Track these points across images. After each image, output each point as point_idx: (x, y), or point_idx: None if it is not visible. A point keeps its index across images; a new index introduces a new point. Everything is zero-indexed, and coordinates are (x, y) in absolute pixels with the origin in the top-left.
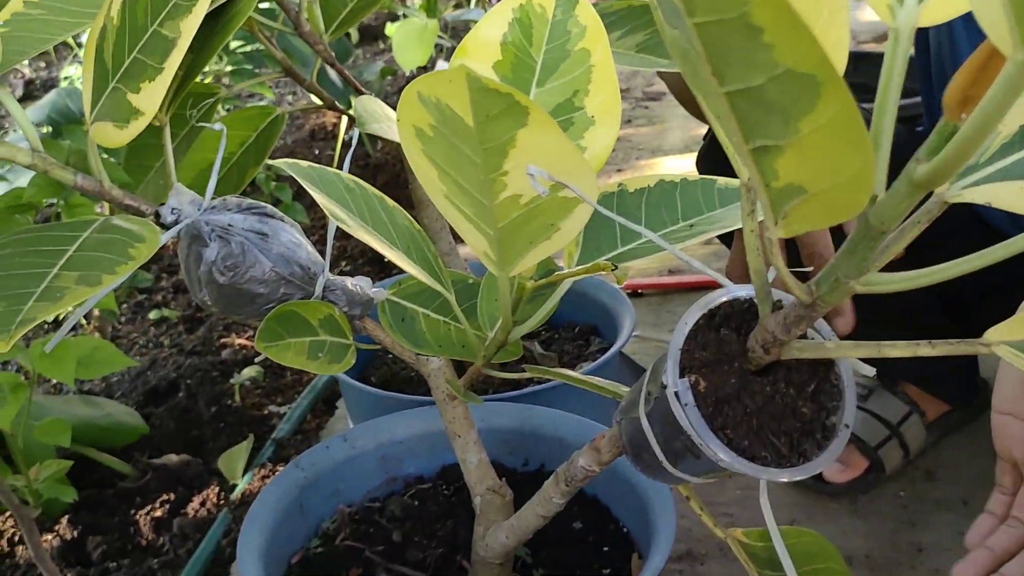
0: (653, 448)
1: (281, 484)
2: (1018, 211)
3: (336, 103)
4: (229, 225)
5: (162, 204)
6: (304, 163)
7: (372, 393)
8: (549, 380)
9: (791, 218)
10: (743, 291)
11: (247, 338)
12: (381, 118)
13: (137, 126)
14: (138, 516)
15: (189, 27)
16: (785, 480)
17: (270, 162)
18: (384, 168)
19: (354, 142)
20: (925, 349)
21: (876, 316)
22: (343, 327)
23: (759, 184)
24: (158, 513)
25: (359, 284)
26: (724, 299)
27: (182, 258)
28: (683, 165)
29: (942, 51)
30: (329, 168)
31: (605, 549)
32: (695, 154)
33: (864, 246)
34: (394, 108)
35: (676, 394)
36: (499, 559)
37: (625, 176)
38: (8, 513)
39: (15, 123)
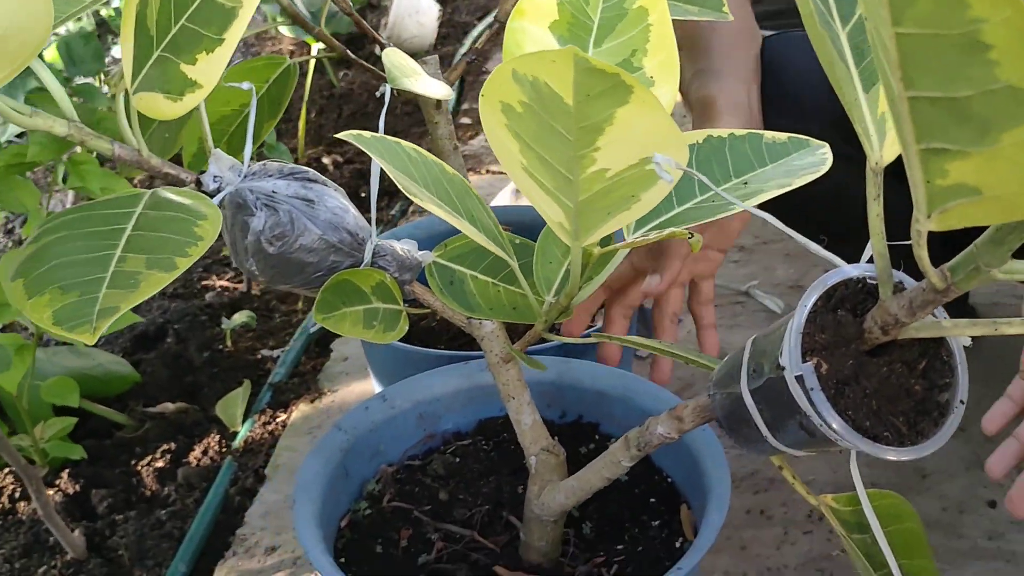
0: (756, 423)
1: (324, 449)
2: None
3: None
4: (273, 192)
5: (203, 172)
6: (367, 134)
7: (399, 349)
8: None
9: (951, 214)
10: (855, 271)
11: (228, 279)
12: (409, 72)
13: (194, 99)
14: (140, 467)
15: (222, 56)
16: (907, 459)
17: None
18: (350, 98)
19: (387, 100)
20: None
21: None
22: (395, 293)
23: (919, 180)
24: (160, 464)
25: (408, 247)
26: (839, 279)
27: (226, 227)
28: None
29: None
30: (389, 136)
31: (652, 500)
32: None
33: (1014, 237)
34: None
35: (799, 378)
36: (554, 517)
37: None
38: (8, 469)
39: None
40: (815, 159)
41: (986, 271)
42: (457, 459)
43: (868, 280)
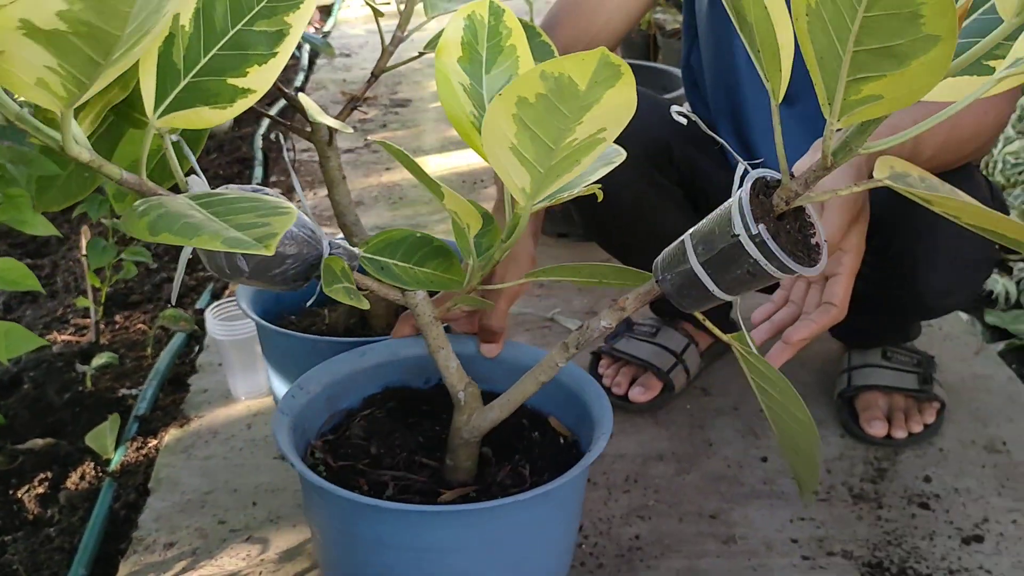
0: (705, 284)
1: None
2: None
3: None
4: None
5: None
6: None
7: (307, 339)
8: None
9: (854, 115)
10: (764, 172)
11: (70, 334)
12: (319, 112)
13: (244, 103)
14: (19, 495)
15: (300, 18)
16: (815, 273)
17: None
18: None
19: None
20: None
21: None
22: (349, 275)
23: (838, 99)
24: (39, 490)
25: (344, 243)
26: (756, 177)
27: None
28: (443, 161)
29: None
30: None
31: (524, 421)
32: (450, 152)
33: (872, 125)
34: None
35: (754, 236)
36: (479, 436)
37: (396, 175)
38: None
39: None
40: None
41: (855, 149)
42: (367, 424)
43: (769, 178)
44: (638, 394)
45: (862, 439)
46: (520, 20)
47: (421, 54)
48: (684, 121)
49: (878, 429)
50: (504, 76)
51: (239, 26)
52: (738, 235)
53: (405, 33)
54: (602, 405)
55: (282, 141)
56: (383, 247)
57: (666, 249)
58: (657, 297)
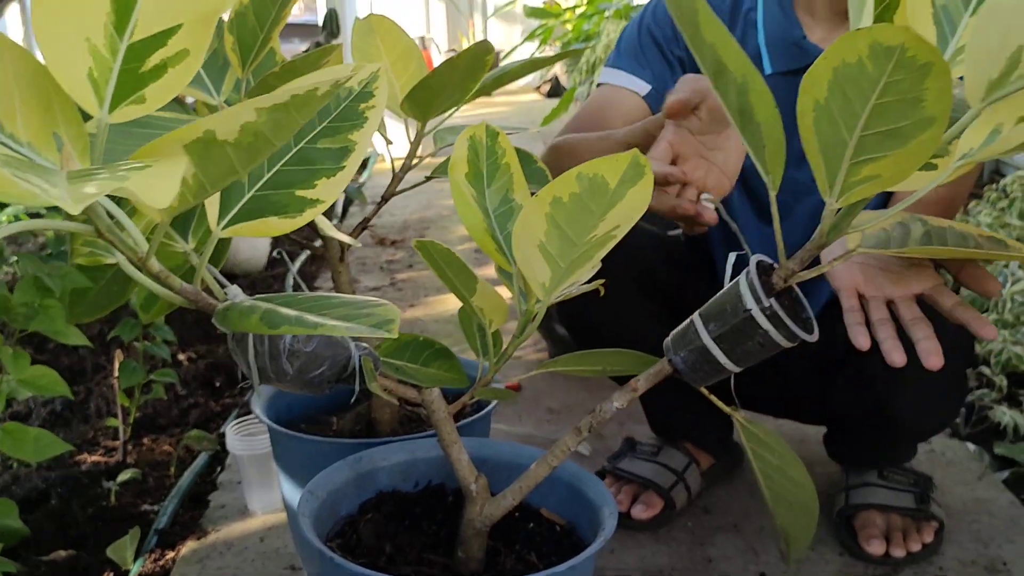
0: (717, 358)
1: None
2: None
3: None
4: None
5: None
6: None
7: (318, 441)
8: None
9: (851, 195)
10: (763, 258)
11: (99, 455)
12: (330, 226)
13: (313, 212)
14: None
15: (364, 135)
16: (812, 340)
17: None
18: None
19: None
20: None
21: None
22: (373, 373)
23: (840, 182)
24: None
25: (368, 347)
26: (756, 260)
27: (252, 341)
28: None
29: None
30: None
31: (516, 515)
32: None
33: (847, 221)
34: None
35: (766, 309)
36: (490, 525)
37: (419, 311)
38: None
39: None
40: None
41: (845, 229)
42: (372, 527)
43: (764, 262)
44: (639, 511)
45: (861, 557)
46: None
47: (428, 179)
48: (711, 206)
49: (876, 547)
50: (503, 189)
51: (302, 144)
52: (750, 309)
53: (413, 163)
54: (599, 490)
55: (285, 257)
56: (394, 350)
57: (674, 331)
58: (668, 376)
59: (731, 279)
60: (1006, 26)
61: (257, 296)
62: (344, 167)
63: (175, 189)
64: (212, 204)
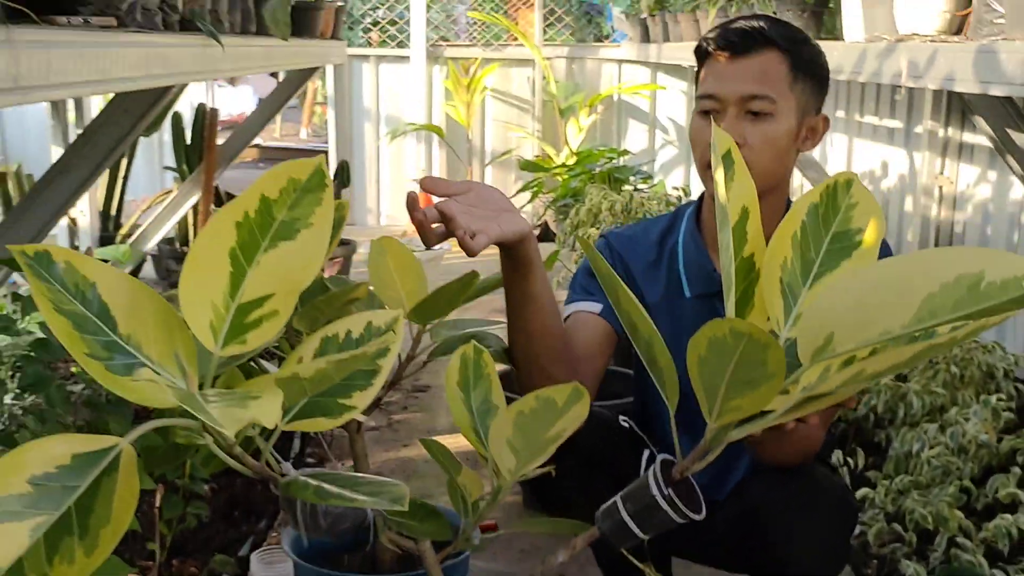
0: (632, 528)
1: None
2: None
3: None
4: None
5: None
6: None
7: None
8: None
9: (725, 418)
10: (665, 455)
11: (136, 573)
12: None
13: (350, 415)
14: None
15: (388, 361)
16: (699, 518)
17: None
18: None
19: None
20: None
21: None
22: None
23: (716, 409)
24: None
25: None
26: (661, 459)
27: (299, 504)
28: (452, 441)
29: None
30: None
31: None
32: (458, 435)
33: (723, 435)
34: None
35: (667, 496)
36: None
37: (412, 452)
38: None
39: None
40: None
41: (722, 439)
42: None
43: (668, 459)
44: None
45: None
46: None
47: (425, 363)
48: (627, 425)
49: None
50: (484, 393)
51: (340, 378)
52: (655, 496)
53: (416, 352)
54: None
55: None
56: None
57: (602, 507)
58: (596, 539)
59: (645, 469)
60: (822, 318)
61: (303, 472)
62: (373, 384)
63: (278, 413)
64: (276, 408)
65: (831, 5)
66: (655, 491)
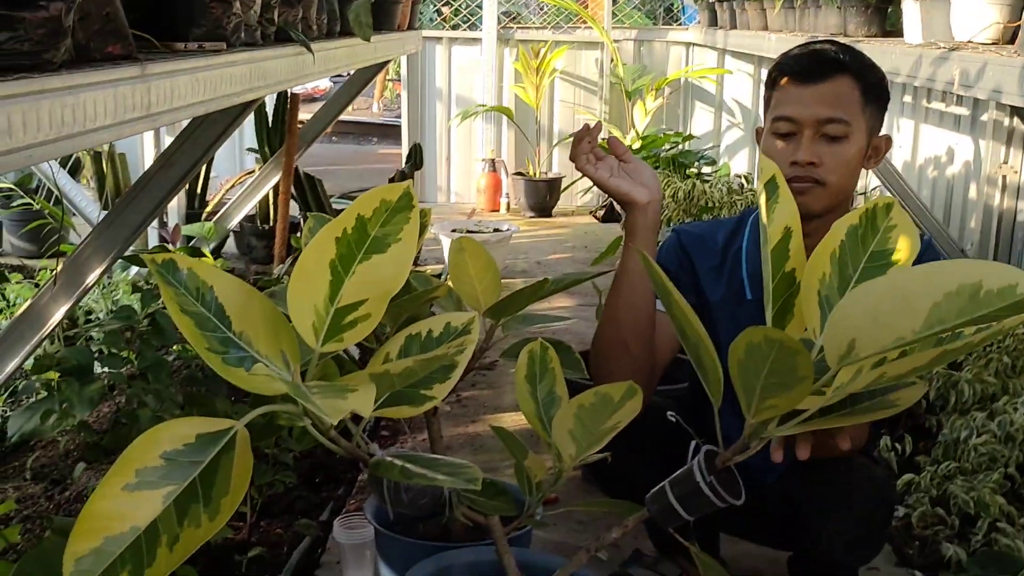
0: (678, 511)
1: None
2: None
3: None
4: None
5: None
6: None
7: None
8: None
9: (762, 415)
10: (708, 446)
11: (230, 533)
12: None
13: (430, 404)
14: None
15: (464, 357)
16: (739, 503)
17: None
18: None
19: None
20: None
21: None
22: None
23: (754, 407)
24: None
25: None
26: (706, 449)
27: (385, 482)
28: (517, 418)
29: None
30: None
31: None
32: None
33: (760, 430)
34: None
35: (710, 483)
36: None
37: (479, 427)
38: None
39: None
40: None
41: (760, 435)
42: None
43: (712, 450)
44: None
45: None
46: (553, 340)
47: (495, 363)
48: (674, 420)
49: None
50: (549, 385)
51: (424, 374)
52: (699, 483)
53: (489, 344)
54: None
55: None
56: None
57: (652, 491)
58: (646, 519)
59: (691, 458)
60: (844, 327)
61: (389, 452)
62: (451, 377)
63: (372, 404)
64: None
65: (894, 2)
66: (699, 479)
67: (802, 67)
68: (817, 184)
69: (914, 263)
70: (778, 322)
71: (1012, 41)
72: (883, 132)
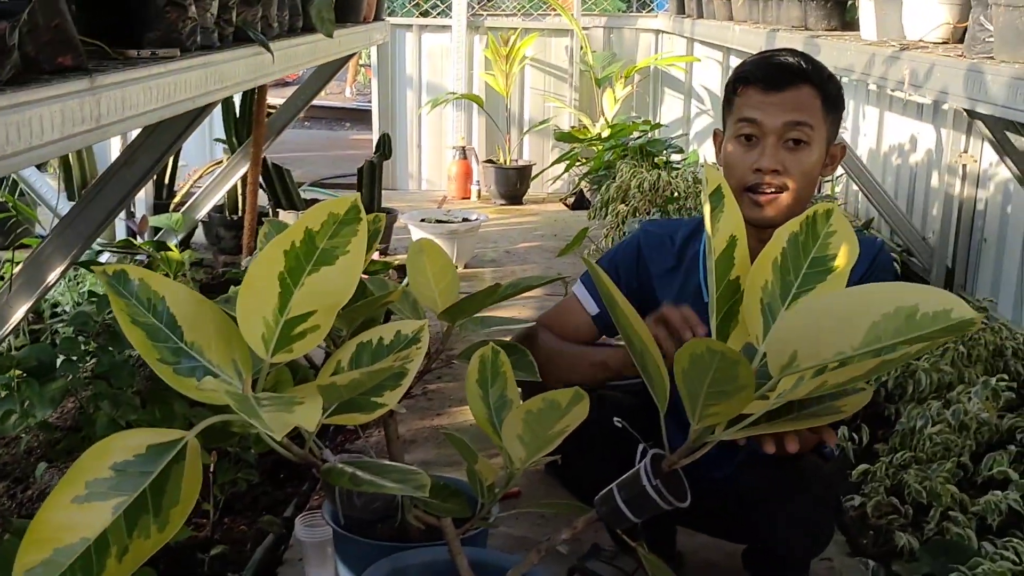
0: (624, 512)
1: None
2: None
3: None
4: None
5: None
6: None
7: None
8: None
9: (705, 421)
10: (655, 450)
11: (192, 529)
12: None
13: (381, 411)
14: None
15: (415, 365)
16: (684, 506)
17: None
18: None
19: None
20: None
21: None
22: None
23: (698, 413)
24: None
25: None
26: (652, 453)
27: (342, 493)
28: None
29: None
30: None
31: None
32: None
33: (704, 435)
34: None
35: (656, 486)
36: None
37: (444, 420)
38: None
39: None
40: None
41: (704, 439)
42: None
43: (659, 454)
44: None
45: None
46: (505, 343)
47: (454, 362)
48: (620, 426)
49: None
50: (500, 389)
51: (376, 364)
52: (645, 486)
53: (445, 346)
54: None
55: None
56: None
57: (600, 493)
58: (596, 521)
59: (638, 462)
60: (786, 340)
61: (341, 459)
62: (402, 384)
63: (318, 418)
64: (316, 413)
65: None
66: (645, 482)
67: (766, 75)
68: (780, 192)
69: (869, 266)
70: (723, 329)
71: (961, 41)
72: (847, 121)
